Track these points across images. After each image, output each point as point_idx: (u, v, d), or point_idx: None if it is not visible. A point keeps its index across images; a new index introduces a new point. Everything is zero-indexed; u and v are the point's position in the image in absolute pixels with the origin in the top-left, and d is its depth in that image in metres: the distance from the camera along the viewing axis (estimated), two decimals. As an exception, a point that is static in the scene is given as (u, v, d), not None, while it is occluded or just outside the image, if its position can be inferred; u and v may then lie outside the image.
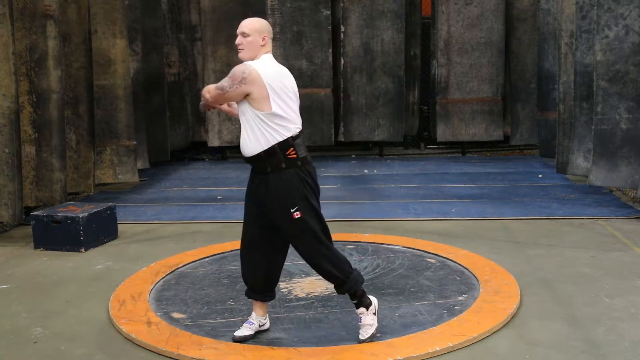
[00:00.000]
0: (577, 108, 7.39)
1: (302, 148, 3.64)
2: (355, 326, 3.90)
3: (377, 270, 4.98)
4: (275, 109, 3.54)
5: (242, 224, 3.89)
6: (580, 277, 4.78)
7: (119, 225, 6.25)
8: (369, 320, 3.80)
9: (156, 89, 9.70)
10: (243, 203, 3.85)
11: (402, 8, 10.13)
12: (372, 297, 3.89)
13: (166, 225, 6.59)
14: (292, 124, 3.61)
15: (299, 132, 3.64)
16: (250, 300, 3.97)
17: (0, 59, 5.94)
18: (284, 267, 4.91)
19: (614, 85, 6.59)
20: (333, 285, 3.86)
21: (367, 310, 3.81)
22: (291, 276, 4.88)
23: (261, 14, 9.89)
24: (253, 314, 3.93)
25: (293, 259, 5.25)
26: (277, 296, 4.49)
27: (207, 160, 10.81)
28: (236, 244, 5.58)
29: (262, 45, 3.64)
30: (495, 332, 3.86)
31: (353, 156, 10.66)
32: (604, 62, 6.61)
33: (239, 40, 3.63)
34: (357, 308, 3.83)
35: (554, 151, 8.47)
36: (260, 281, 3.87)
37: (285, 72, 3.70)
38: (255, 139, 3.58)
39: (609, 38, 6.57)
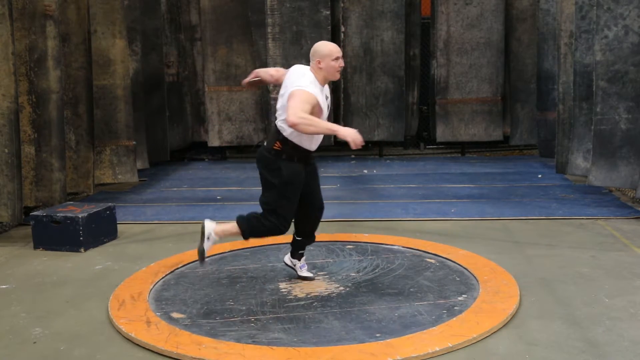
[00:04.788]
0: (576, 108, 7.38)
1: None
2: (356, 326, 3.93)
3: (376, 271, 4.98)
4: None
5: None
6: (580, 277, 4.78)
7: (118, 225, 6.25)
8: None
9: (156, 89, 9.70)
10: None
11: (402, 8, 10.13)
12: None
13: (166, 226, 6.59)
14: None
15: None
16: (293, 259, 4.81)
17: (0, 59, 5.94)
18: (284, 267, 4.94)
19: (613, 85, 6.60)
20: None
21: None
22: (291, 276, 4.88)
23: (261, 14, 9.90)
24: (303, 259, 4.83)
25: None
26: (277, 296, 4.51)
27: (207, 160, 10.81)
28: (236, 244, 5.61)
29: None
30: (494, 332, 3.86)
31: (352, 156, 10.66)
32: (604, 62, 6.61)
33: (343, 63, 4.35)
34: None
35: (553, 151, 8.47)
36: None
37: None
38: None
39: (608, 38, 6.57)
